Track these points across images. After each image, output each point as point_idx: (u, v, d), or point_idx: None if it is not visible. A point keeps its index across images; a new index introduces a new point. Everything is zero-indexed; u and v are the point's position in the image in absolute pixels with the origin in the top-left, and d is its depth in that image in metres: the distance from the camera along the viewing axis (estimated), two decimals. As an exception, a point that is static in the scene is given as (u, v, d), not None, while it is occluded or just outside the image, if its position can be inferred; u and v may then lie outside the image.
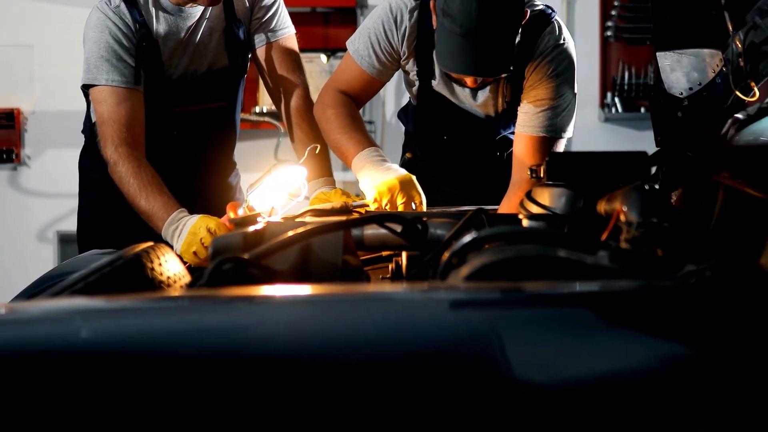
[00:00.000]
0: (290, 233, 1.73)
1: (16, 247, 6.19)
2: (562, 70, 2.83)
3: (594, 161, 2.00)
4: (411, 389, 1.19)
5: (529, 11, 2.73)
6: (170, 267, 2.03)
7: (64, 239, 6.15)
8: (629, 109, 6.07)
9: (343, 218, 2.07)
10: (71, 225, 6.28)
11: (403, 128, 3.37)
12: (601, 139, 6.09)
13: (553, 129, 2.86)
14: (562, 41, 2.84)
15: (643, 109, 6.08)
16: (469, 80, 2.79)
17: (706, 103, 2.74)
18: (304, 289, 1.47)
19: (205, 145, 3.25)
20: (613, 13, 6.07)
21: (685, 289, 1.31)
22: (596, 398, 1.18)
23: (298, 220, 2.14)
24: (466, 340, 1.19)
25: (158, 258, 2.01)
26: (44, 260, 6.15)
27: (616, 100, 6.08)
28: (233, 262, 1.64)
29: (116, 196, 2.97)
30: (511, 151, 3.00)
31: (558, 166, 1.99)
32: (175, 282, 2.01)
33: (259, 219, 2.16)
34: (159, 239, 2.84)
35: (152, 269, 1.97)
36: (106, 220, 3.25)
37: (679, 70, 2.76)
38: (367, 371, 1.21)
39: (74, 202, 6.18)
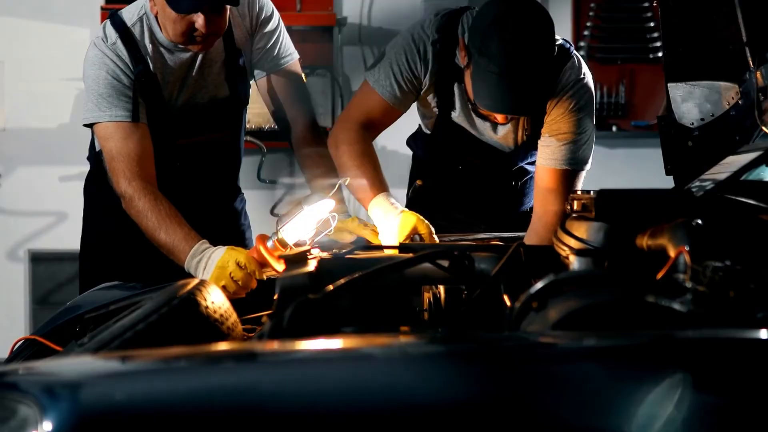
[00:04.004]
0: (356, 273, 1.75)
1: (-14, 266, 6.11)
2: (584, 105, 2.89)
3: (639, 198, 2.04)
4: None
5: (556, 47, 2.77)
6: (220, 304, 2.04)
7: (35, 258, 6.08)
8: (601, 127, 6.14)
9: (397, 255, 2.10)
10: (43, 244, 6.25)
11: (396, 149, 3.40)
12: (573, 156, 6.15)
13: (575, 162, 2.91)
14: (582, 76, 2.90)
15: (614, 128, 6.17)
16: (500, 116, 2.83)
17: (719, 134, 2.81)
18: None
19: (208, 174, 3.24)
20: (586, 33, 6.16)
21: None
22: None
23: (348, 256, 2.16)
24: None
25: (209, 294, 2.02)
26: (15, 279, 6.09)
27: (589, 118, 6.15)
28: (308, 304, 1.65)
29: (123, 223, 2.95)
30: (526, 180, 3.04)
31: (605, 203, 2.02)
32: (226, 319, 2.02)
33: (309, 255, 2.17)
34: (169, 266, 2.85)
35: (206, 307, 1.97)
36: (112, 246, 3.22)
37: (691, 101, 2.83)
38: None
39: (46, 221, 6.18)
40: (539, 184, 2.94)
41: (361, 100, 3.02)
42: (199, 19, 2.80)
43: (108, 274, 3.07)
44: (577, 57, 2.93)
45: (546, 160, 2.92)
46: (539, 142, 2.94)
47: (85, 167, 3.36)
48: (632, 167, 6.13)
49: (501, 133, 3.01)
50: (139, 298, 2.50)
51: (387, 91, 2.94)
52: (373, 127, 3.01)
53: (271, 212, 5.76)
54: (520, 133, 3.00)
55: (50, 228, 6.11)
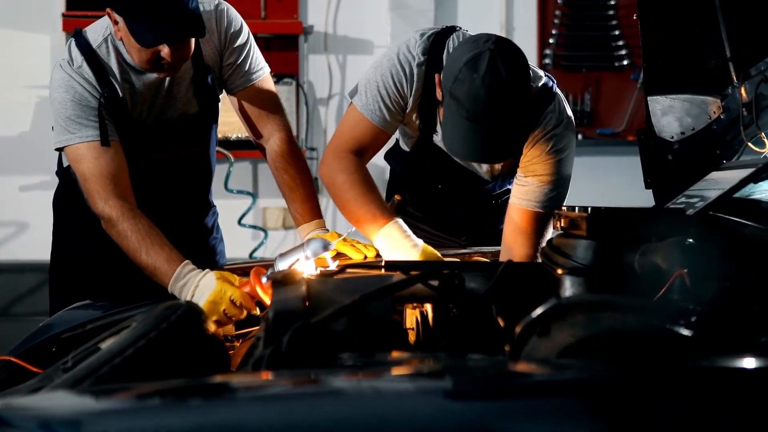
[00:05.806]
0: (351, 296, 1.72)
1: (-56, 277, 5.99)
2: (563, 147, 2.82)
3: (631, 216, 2.03)
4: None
5: (533, 86, 2.70)
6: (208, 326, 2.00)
7: (-5, 269, 5.98)
8: (566, 135, 6.15)
9: (386, 274, 2.07)
10: (3, 254, 6.13)
11: (373, 162, 3.35)
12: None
13: (550, 204, 2.85)
14: (564, 118, 2.83)
15: (580, 136, 6.19)
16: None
17: (699, 148, 2.81)
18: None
19: (180, 189, 3.19)
20: (551, 41, 6.18)
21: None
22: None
23: (338, 276, 2.13)
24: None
25: (198, 317, 1.98)
26: (-26, 290, 5.98)
27: (554, 126, 6.16)
28: (306, 329, 1.62)
29: (96, 241, 2.91)
30: (507, 199, 3.00)
31: (597, 221, 2.01)
32: (222, 336, 1.98)
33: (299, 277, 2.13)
34: (145, 284, 2.80)
35: (196, 330, 1.94)
36: (85, 264, 3.17)
37: (671, 115, 2.82)
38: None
39: (7, 231, 6.07)
40: (510, 223, 2.90)
41: (351, 127, 2.92)
42: (164, 49, 2.76)
43: (80, 291, 3.02)
44: (560, 98, 2.86)
45: (520, 199, 2.87)
46: (515, 180, 2.89)
47: (47, 177, 3.30)
48: (598, 174, 6.15)
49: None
50: (116, 317, 2.46)
51: (377, 116, 2.86)
52: (365, 152, 2.94)
53: (239, 222, 5.76)
54: (497, 166, 2.98)
55: (10, 238, 6.01)
